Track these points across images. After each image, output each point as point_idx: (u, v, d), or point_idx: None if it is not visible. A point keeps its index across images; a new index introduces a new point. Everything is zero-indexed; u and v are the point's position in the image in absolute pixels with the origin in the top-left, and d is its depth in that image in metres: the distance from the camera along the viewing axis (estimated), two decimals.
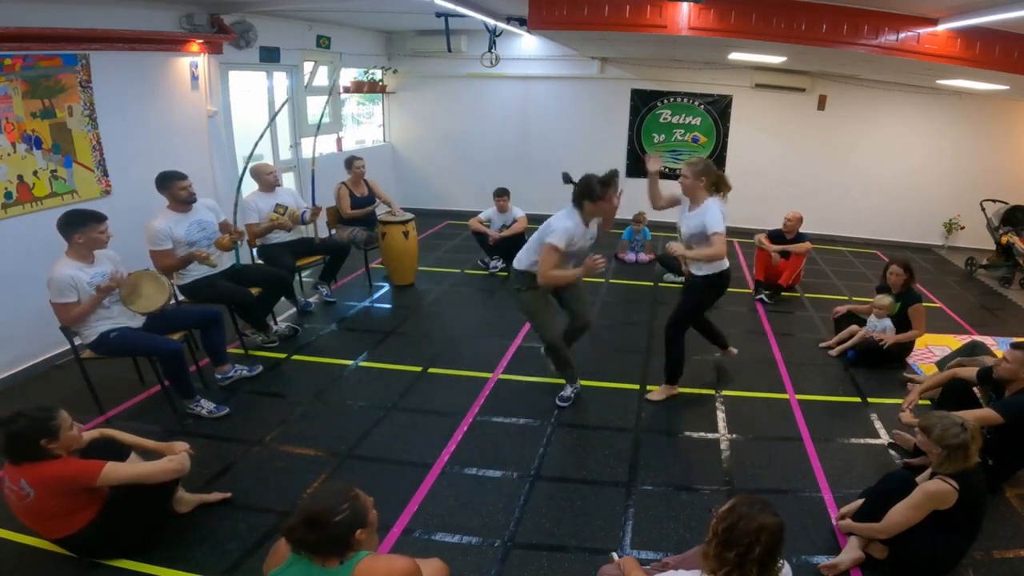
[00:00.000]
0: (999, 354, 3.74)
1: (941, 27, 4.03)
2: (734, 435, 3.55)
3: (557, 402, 3.79)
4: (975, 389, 3.34)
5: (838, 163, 8.18)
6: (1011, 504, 2.97)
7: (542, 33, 6.27)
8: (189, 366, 3.58)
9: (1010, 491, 3.04)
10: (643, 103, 8.35)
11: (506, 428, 3.56)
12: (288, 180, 6.64)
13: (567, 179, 3.46)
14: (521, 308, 3.72)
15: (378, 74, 8.35)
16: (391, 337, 4.78)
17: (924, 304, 4.52)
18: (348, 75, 7.95)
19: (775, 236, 5.96)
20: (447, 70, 8.38)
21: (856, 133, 8.04)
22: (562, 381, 3.89)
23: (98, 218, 3.30)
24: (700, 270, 3.60)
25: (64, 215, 3.26)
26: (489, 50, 6.90)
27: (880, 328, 4.45)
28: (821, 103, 7.99)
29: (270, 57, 6.09)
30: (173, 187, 3.84)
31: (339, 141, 7.91)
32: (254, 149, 4.43)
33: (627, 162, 8.56)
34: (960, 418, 2.45)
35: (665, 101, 8.30)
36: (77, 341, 3.36)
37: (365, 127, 8.94)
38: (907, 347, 4.50)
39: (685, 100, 8.27)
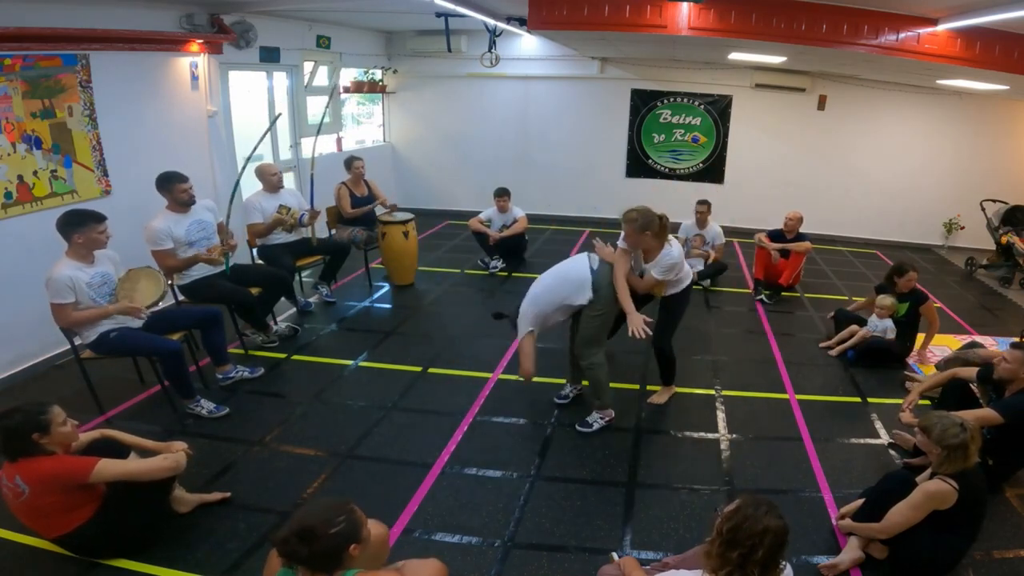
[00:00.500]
0: (995, 351, 3.75)
1: (941, 27, 4.04)
2: (734, 435, 3.55)
3: (556, 400, 3.81)
4: (975, 389, 3.34)
5: (838, 163, 8.17)
6: (1011, 504, 2.97)
7: (542, 33, 6.27)
8: (189, 366, 3.58)
9: (1010, 491, 3.04)
10: (643, 103, 8.34)
11: (506, 428, 3.56)
12: (288, 180, 6.63)
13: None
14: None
15: (378, 74, 8.35)
16: (391, 337, 4.78)
17: None
18: (348, 75, 7.94)
19: (775, 236, 5.97)
20: (447, 70, 8.37)
21: (856, 133, 8.03)
22: (562, 381, 3.90)
23: (98, 218, 3.30)
24: (675, 288, 3.60)
25: (64, 215, 3.26)
26: (489, 50, 6.90)
27: (881, 328, 4.45)
28: (821, 103, 7.99)
29: (270, 57, 6.09)
30: (174, 189, 3.84)
31: (339, 141, 7.91)
32: (252, 152, 4.43)
33: (627, 162, 8.57)
34: (960, 418, 2.45)
35: (665, 101, 8.29)
36: (77, 341, 3.36)
37: (365, 127, 8.94)
38: (909, 347, 4.51)
39: (685, 100, 8.26)
